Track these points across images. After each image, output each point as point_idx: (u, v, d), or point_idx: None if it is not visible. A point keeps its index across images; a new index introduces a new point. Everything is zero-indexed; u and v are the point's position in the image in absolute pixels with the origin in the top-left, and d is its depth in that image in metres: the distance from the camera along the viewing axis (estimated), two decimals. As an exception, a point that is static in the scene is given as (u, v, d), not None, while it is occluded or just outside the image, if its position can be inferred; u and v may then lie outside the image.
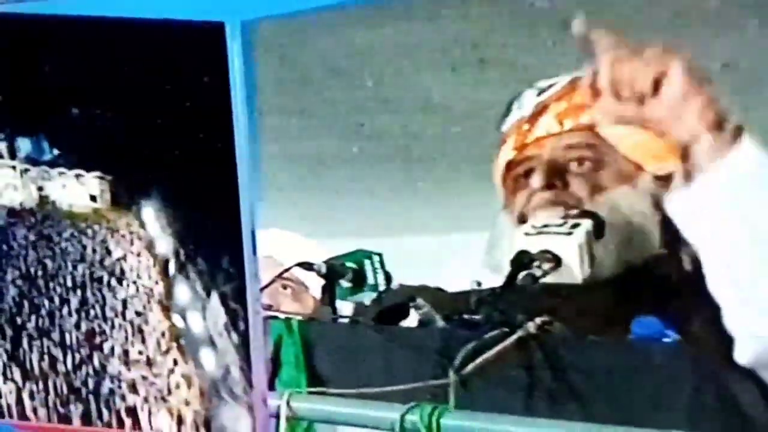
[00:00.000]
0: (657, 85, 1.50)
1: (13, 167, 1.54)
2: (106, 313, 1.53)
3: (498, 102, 1.96)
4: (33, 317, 1.56)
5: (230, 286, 1.41)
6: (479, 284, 1.67)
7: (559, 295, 1.63)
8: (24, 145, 1.53)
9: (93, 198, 1.52)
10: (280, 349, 1.65)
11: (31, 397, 1.57)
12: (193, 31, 1.38)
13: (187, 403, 1.48)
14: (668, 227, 1.73)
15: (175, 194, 1.46)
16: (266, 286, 1.86)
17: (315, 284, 2.34)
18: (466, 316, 1.57)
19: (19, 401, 1.57)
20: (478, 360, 1.47)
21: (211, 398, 1.46)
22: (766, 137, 1.52)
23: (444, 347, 1.54)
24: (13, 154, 1.54)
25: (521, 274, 1.57)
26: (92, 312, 1.53)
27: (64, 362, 1.55)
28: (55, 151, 1.53)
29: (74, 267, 1.55)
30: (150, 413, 1.51)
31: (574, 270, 1.60)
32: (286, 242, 2.74)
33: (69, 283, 1.54)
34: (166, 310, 1.48)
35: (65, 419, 1.55)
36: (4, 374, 1.58)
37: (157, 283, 1.49)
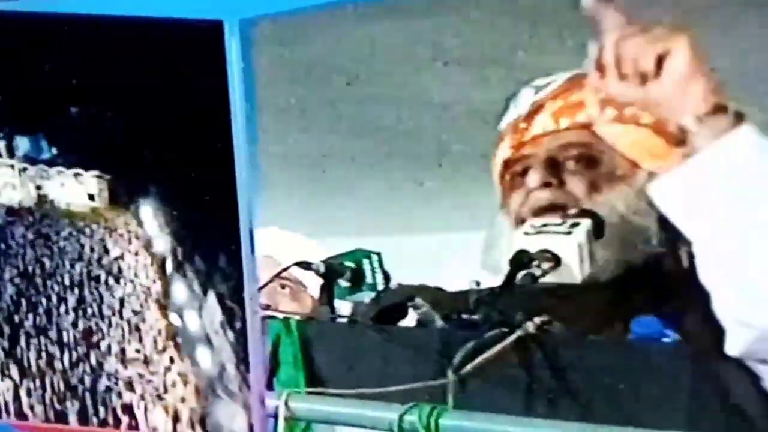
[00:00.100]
0: (660, 64, 1.50)
1: (12, 166, 1.54)
2: (104, 311, 1.53)
3: (498, 100, 1.96)
4: (30, 315, 1.56)
5: (227, 285, 1.41)
6: (478, 284, 1.66)
7: (558, 295, 1.62)
8: (22, 143, 1.53)
9: (91, 197, 1.52)
10: (279, 348, 1.64)
11: (29, 394, 1.57)
12: (191, 30, 1.37)
13: (183, 401, 1.48)
14: (667, 225, 1.73)
15: (174, 193, 1.46)
16: (264, 286, 1.85)
17: (313, 284, 2.34)
18: (464, 316, 1.57)
19: (17, 399, 1.58)
20: (477, 360, 1.47)
21: (207, 396, 1.46)
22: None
23: (443, 347, 1.54)
24: (11, 153, 1.54)
25: (520, 274, 1.57)
26: (89, 310, 1.53)
27: (62, 360, 1.55)
28: (54, 150, 1.53)
29: (72, 266, 1.55)
30: (146, 411, 1.51)
31: (574, 269, 1.60)
32: (284, 241, 2.74)
33: (67, 282, 1.55)
34: (163, 308, 1.49)
35: (62, 416, 1.55)
36: (2, 372, 1.58)
37: (154, 281, 1.49)
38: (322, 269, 1.86)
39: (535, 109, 1.87)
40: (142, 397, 1.51)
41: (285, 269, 1.95)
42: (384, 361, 1.59)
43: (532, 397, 1.50)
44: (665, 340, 1.52)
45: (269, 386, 1.56)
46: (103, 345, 1.53)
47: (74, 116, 1.48)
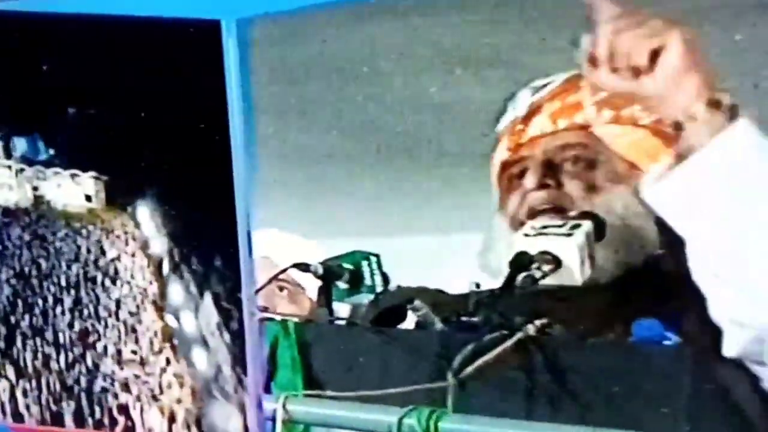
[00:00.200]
0: (654, 58, 1.49)
1: (9, 167, 1.54)
2: (100, 312, 1.53)
3: (497, 101, 1.96)
4: (27, 316, 1.56)
5: (224, 287, 1.40)
6: (478, 286, 1.66)
7: (558, 297, 1.62)
8: (19, 144, 1.53)
9: (88, 198, 1.52)
10: (276, 351, 1.64)
11: (25, 395, 1.57)
12: (188, 30, 1.37)
13: (179, 402, 1.48)
14: (666, 227, 1.72)
15: (171, 194, 1.46)
16: (262, 288, 1.85)
17: (311, 285, 2.34)
18: (464, 318, 1.56)
19: (13, 399, 1.58)
20: (477, 363, 1.46)
21: (202, 397, 1.46)
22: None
23: (442, 350, 1.53)
24: (8, 154, 1.54)
25: (520, 276, 1.56)
26: (86, 311, 1.53)
27: (58, 361, 1.55)
28: (51, 151, 1.52)
29: (68, 267, 1.55)
30: (142, 412, 1.51)
31: (574, 271, 1.60)
32: (282, 243, 2.74)
33: (63, 283, 1.54)
34: (160, 310, 1.48)
35: (58, 417, 1.55)
36: (-2, 373, 1.59)
37: (151, 283, 1.49)
38: (321, 271, 1.86)
39: (533, 111, 1.88)
40: (138, 398, 1.51)
41: (283, 271, 1.95)
42: (383, 363, 1.59)
43: (532, 401, 1.49)
44: (666, 343, 1.51)
45: (267, 389, 1.55)
46: (99, 346, 1.53)
47: (71, 117, 1.48)
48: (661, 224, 1.76)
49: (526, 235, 1.64)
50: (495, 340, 1.48)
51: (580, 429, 1.42)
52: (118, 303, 1.52)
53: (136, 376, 1.51)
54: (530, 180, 1.83)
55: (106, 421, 1.53)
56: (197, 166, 1.42)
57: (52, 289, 1.55)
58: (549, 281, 1.59)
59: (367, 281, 1.86)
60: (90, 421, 1.54)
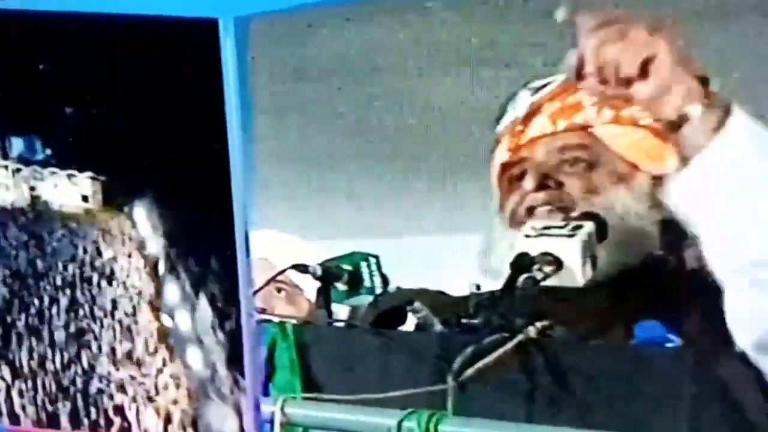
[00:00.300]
0: (644, 68, 1.49)
1: (6, 167, 1.55)
2: (96, 313, 1.53)
3: (498, 102, 1.96)
4: (23, 316, 1.56)
5: (220, 287, 1.40)
6: (478, 287, 1.65)
7: (559, 299, 1.61)
8: (16, 144, 1.53)
9: (85, 198, 1.52)
10: (274, 353, 1.63)
11: (20, 395, 1.57)
12: (185, 28, 1.36)
13: (175, 403, 1.48)
14: (669, 227, 1.72)
15: (168, 194, 1.46)
16: (260, 289, 1.84)
17: (310, 287, 2.33)
18: (464, 320, 1.55)
19: (8, 399, 1.58)
20: (477, 365, 1.45)
21: (198, 397, 1.46)
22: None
23: (442, 352, 1.52)
24: (5, 154, 1.54)
25: (521, 277, 1.55)
26: (81, 312, 1.53)
27: (53, 361, 1.55)
28: (48, 151, 1.52)
29: (65, 267, 1.55)
30: (138, 412, 1.51)
31: (576, 273, 1.59)
32: (280, 244, 2.73)
33: (59, 283, 1.54)
34: (156, 310, 1.48)
35: (54, 417, 1.55)
36: (-6, 373, 1.59)
37: (147, 283, 1.49)
38: (319, 272, 1.85)
39: (533, 111, 1.88)
40: (134, 399, 1.52)
41: (281, 272, 1.94)
42: (382, 366, 1.58)
43: (532, 403, 1.49)
44: (668, 345, 1.51)
45: (265, 391, 1.55)
46: (95, 346, 1.53)
47: (69, 117, 1.48)
48: (664, 225, 1.76)
49: (527, 236, 1.63)
50: (495, 342, 1.47)
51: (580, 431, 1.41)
52: (114, 303, 1.52)
53: (132, 377, 1.51)
54: (529, 181, 1.83)
55: (102, 421, 1.53)
56: (195, 167, 1.41)
57: (48, 289, 1.55)
58: (550, 282, 1.58)
59: (367, 282, 1.85)
60: (86, 421, 1.54)
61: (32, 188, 1.55)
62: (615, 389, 1.46)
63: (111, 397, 1.53)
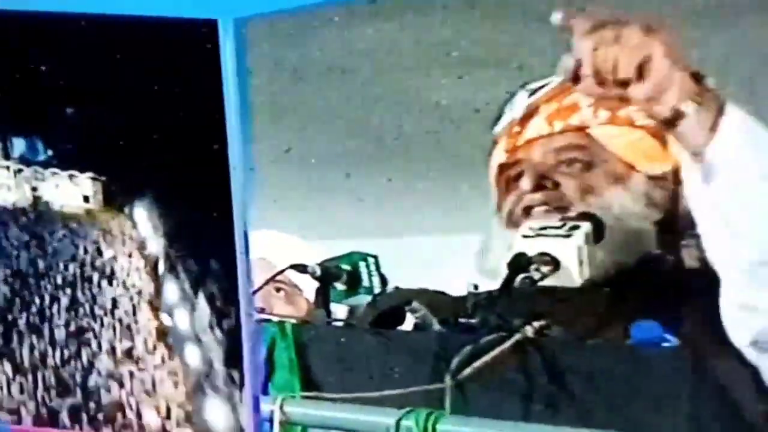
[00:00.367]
0: (640, 70, 1.49)
1: (7, 167, 1.55)
2: (96, 311, 1.53)
3: (496, 103, 1.96)
4: (24, 314, 1.56)
5: (219, 286, 1.41)
6: (476, 287, 1.65)
7: (556, 299, 1.62)
8: (18, 145, 1.54)
9: (86, 199, 1.52)
10: (274, 352, 1.63)
11: (21, 391, 1.57)
12: (185, 29, 1.37)
13: (173, 399, 1.49)
14: (666, 227, 1.72)
15: (168, 195, 1.46)
16: (259, 289, 1.84)
17: (309, 287, 2.33)
18: (462, 320, 1.56)
19: (9, 395, 1.58)
20: (475, 364, 1.46)
21: (195, 393, 1.46)
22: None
23: (440, 351, 1.52)
24: (7, 155, 1.55)
25: (519, 277, 1.56)
26: (82, 310, 1.54)
27: (54, 358, 1.56)
28: (50, 152, 1.53)
29: (66, 267, 1.55)
30: (137, 408, 1.51)
31: (573, 273, 1.59)
32: (279, 244, 2.73)
33: (60, 282, 1.55)
34: (155, 309, 1.49)
35: (53, 413, 1.56)
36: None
37: (147, 282, 1.49)
38: (318, 272, 1.85)
39: (530, 113, 1.88)
40: (133, 395, 1.52)
41: (280, 272, 1.94)
42: (380, 365, 1.58)
43: (530, 402, 1.49)
44: (665, 345, 1.51)
45: (264, 390, 1.55)
46: (95, 344, 1.54)
47: (70, 117, 1.48)
48: (661, 224, 1.76)
49: (525, 236, 1.63)
50: (493, 341, 1.47)
51: (578, 431, 1.41)
52: (114, 302, 1.52)
53: (131, 374, 1.52)
54: (526, 182, 1.83)
55: (100, 417, 1.54)
56: (194, 167, 1.42)
57: (49, 288, 1.56)
58: (548, 282, 1.58)
59: (365, 282, 1.85)
60: (85, 417, 1.55)
61: (34, 188, 1.55)
62: (612, 388, 1.46)
63: (110, 392, 1.53)
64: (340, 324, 1.81)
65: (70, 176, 1.52)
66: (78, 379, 1.54)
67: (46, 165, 1.54)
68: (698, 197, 1.51)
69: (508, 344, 1.47)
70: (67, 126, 1.49)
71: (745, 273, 1.47)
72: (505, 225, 1.85)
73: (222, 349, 1.42)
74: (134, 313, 1.50)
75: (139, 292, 1.50)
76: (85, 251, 1.54)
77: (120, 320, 1.51)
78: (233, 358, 1.41)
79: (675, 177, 1.75)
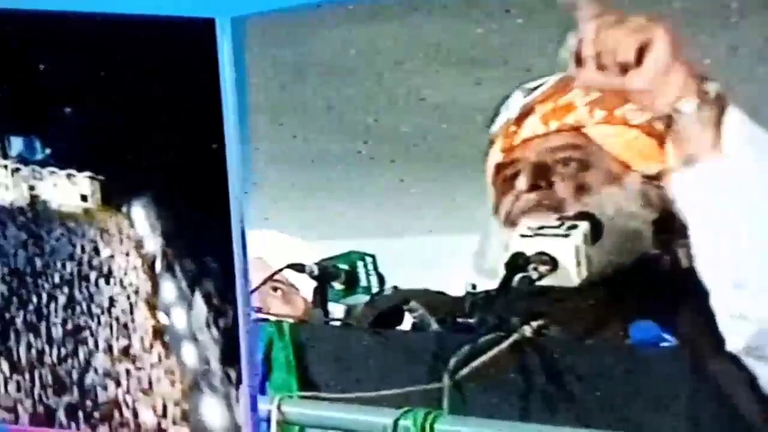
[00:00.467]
0: (640, 55, 1.49)
1: (5, 166, 1.55)
2: (93, 310, 1.53)
3: (493, 103, 1.96)
4: (21, 313, 1.57)
5: (215, 285, 1.41)
6: (474, 287, 1.65)
7: (554, 298, 1.61)
8: (16, 144, 1.54)
9: (84, 198, 1.52)
10: (271, 352, 1.63)
11: (18, 389, 1.57)
12: (182, 28, 1.37)
13: (169, 397, 1.49)
14: (662, 226, 1.72)
15: (166, 194, 1.46)
16: (256, 288, 1.84)
17: (306, 286, 2.33)
18: (460, 320, 1.56)
19: (6, 392, 1.58)
20: (473, 364, 1.45)
21: (192, 392, 1.47)
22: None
23: (438, 351, 1.52)
24: (5, 154, 1.55)
25: (517, 277, 1.55)
26: (79, 309, 1.54)
27: (51, 356, 1.56)
28: (47, 151, 1.53)
29: (63, 265, 1.55)
30: (134, 407, 1.51)
31: (571, 272, 1.59)
32: (276, 243, 2.73)
33: (57, 281, 1.55)
34: (152, 307, 1.49)
35: (50, 410, 1.56)
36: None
37: (144, 281, 1.49)
38: (316, 272, 1.85)
39: (526, 112, 1.88)
40: (129, 393, 1.52)
41: (278, 271, 1.94)
42: (378, 364, 1.58)
43: (528, 402, 1.49)
44: (663, 344, 1.51)
45: (262, 390, 1.55)
46: (92, 342, 1.54)
47: (68, 117, 1.48)
48: (657, 224, 1.76)
49: (523, 235, 1.63)
50: (491, 341, 1.47)
51: (576, 431, 1.41)
52: (111, 301, 1.52)
53: (128, 372, 1.52)
54: (522, 182, 1.83)
55: (97, 415, 1.54)
56: (192, 166, 1.42)
57: (47, 286, 1.56)
58: (545, 282, 1.58)
59: (363, 282, 1.85)
60: (82, 415, 1.55)
61: (31, 187, 1.55)
62: (610, 388, 1.46)
63: (107, 390, 1.53)
64: (337, 324, 1.80)
65: (68, 175, 1.53)
66: (75, 377, 1.54)
67: (43, 164, 1.54)
68: (691, 201, 1.51)
69: (506, 344, 1.47)
70: (65, 125, 1.49)
71: (734, 280, 1.47)
72: (502, 225, 1.85)
73: (219, 347, 1.43)
74: (131, 312, 1.50)
75: (136, 291, 1.50)
76: (83, 250, 1.54)
77: (117, 319, 1.52)
78: (230, 356, 1.41)
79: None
